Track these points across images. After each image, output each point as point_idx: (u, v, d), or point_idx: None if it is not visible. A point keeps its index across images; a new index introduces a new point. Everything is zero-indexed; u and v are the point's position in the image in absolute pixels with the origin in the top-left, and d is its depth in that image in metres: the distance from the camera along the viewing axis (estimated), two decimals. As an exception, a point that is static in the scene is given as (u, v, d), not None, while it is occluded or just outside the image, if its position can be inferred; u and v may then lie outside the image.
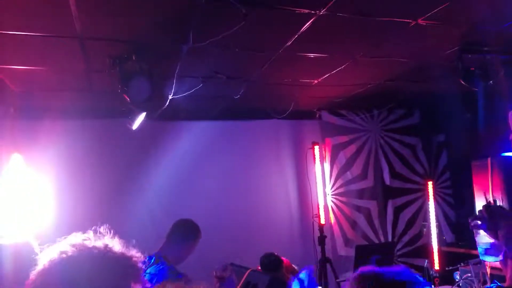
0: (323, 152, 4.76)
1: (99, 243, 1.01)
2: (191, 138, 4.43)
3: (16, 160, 3.41)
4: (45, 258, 0.98)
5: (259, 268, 3.03)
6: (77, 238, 1.02)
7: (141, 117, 3.20)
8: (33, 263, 1.00)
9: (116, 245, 1.04)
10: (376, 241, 4.73)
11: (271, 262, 2.96)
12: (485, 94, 3.14)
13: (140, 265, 1.04)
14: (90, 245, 0.99)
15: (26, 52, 2.64)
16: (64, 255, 0.96)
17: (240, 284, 3.07)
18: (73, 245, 0.98)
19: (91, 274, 0.92)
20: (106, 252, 0.99)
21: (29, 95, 3.52)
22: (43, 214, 3.56)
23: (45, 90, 3.45)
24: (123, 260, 1.00)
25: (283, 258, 3.06)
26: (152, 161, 4.23)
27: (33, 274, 0.97)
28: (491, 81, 2.87)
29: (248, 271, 3.41)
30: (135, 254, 1.05)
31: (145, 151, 4.21)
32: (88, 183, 3.87)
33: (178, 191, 4.25)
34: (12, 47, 2.53)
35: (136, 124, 3.34)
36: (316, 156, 4.76)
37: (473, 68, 2.84)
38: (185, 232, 2.81)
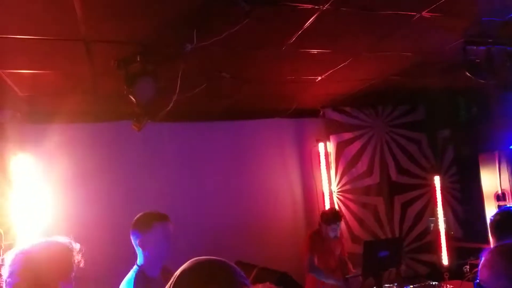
0: (328, 149, 4.75)
1: None
2: (196, 139, 4.44)
3: (23, 163, 3.43)
4: None
5: None
6: None
7: (146, 119, 3.20)
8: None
9: None
10: (384, 238, 4.71)
11: None
12: (492, 87, 3.12)
13: None
14: None
15: (32, 56, 2.65)
16: None
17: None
18: None
19: None
20: None
21: (35, 99, 3.53)
22: (50, 216, 3.58)
23: (51, 94, 3.45)
24: None
25: None
26: (157, 162, 4.24)
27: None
28: (497, 73, 2.85)
29: (256, 269, 3.41)
30: None
31: (150, 153, 4.22)
32: (94, 185, 3.89)
33: (182, 192, 4.26)
34: (18, 51, 2.55)
35: (141, 126, 3.34)
36: (320, 154, 4.76)
37: (478, 60, 2.82)
38: None
